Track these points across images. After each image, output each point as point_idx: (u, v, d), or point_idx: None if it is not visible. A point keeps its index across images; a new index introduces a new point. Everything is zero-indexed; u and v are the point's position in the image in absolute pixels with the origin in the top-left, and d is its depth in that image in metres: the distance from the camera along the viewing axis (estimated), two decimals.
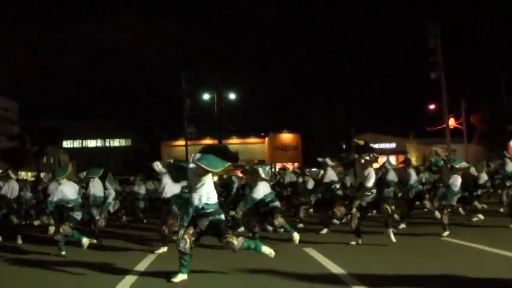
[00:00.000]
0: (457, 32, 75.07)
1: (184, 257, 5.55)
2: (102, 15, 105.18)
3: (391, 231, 7.78)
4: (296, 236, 7.61)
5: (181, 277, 5.52)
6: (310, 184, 11.50)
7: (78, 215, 7.79)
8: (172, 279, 5.48)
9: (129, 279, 5.76)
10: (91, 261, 6.96)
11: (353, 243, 7.87)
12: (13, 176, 9.95)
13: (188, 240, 5.54)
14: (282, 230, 8.53)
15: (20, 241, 9.28)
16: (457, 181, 8.76)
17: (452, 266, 5.96)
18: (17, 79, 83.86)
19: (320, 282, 5.38)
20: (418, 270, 5.80)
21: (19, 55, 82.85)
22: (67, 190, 7.81)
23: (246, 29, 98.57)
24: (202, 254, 7.11)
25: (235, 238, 5.53)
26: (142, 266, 6.55)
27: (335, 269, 6.02)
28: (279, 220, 7.99)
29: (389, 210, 8.55)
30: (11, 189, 9.66)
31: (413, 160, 29.77)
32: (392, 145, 50.18)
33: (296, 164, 34.67)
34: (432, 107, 33.71)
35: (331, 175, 10.22)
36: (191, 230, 5.61)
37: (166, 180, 7.87)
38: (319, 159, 10.74)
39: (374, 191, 7.94)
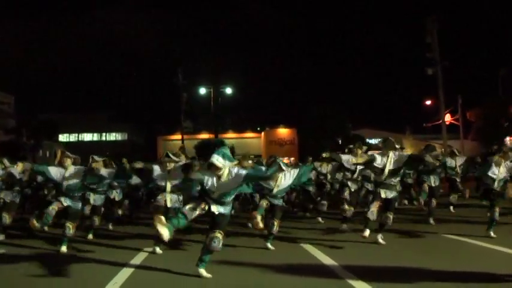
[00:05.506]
0: (455, 28, 75.20)
1: None
2: (99, 7, 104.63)
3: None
4: None
5: None
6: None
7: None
8: None
9: (125, 272, 5.77)
10: (86, 255, 6.98)
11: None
12: None
13: None
14: None
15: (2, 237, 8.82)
16: None
17: (452, 262, 6.01)
18: (13, 72, 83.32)
19: (314, 276, 5.41)
20: (415, 265, 5.84)
21: (15, 48, 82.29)
22: None
23: (244, 24, 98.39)
24: (196, 248, 7.13)
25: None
26: (137, 260, 6.54)
27: (330, 263, 6.06)
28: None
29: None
30: None
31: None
32: None
33: (292, 159, 34.57)
34: (429, 102, 33.78)
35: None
36: None
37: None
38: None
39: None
